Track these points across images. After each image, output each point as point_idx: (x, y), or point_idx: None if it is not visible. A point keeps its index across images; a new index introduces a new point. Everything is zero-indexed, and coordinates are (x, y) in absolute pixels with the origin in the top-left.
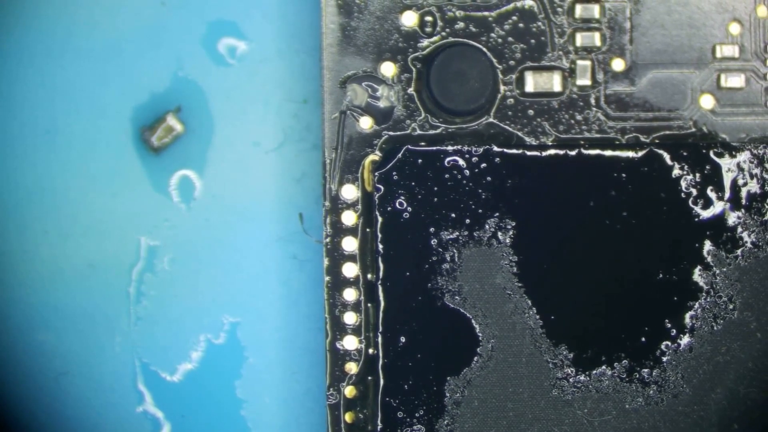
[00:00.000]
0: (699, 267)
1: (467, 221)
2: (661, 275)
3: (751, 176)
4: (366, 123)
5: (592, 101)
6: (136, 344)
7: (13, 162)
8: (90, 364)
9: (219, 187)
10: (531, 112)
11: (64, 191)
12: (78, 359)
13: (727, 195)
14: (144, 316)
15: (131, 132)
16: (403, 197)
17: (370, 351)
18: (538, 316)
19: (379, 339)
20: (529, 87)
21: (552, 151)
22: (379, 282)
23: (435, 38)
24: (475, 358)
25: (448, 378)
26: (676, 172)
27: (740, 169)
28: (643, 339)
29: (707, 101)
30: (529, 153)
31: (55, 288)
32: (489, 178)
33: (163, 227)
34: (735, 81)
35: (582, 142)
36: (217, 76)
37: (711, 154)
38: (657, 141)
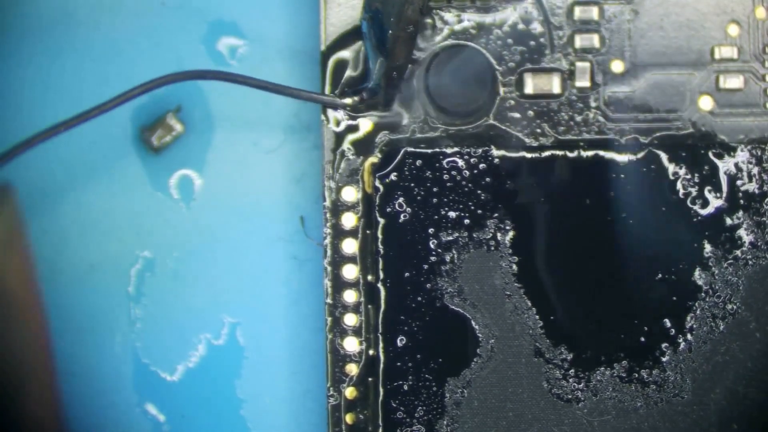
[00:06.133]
0: (698, 267)
1: (467, 222)
2: (660, 275)
3: (750, 177)
4: (366, 125)
5: (592, 103)
6: (136, 344)
7: (13, 162)
8: (90, 364)
9: (219, 187)
10: (530, 113)
11: (64, 191)
12: (78, 359)
13: (725, 195)
14: (144, 316)
15: (131, 132)
16: (402, 199)
17: (371, 352)
18: (537, 317)
19: (380, 340)
20: (529, 89)
21: (551, 152)
22: (380, 283)
23: (434, 40)
24: (475, 359)
25: (448, 378)
26: (675, 173)
27: (739, 169)
28: (643, 339)
29: (706, 102)
30: (528, 154)
31: (55, 288)
32: (488, 180)
33: (163, 227)
34: (734, 82)
35: (581, 144)
36: None
37: (710, 154)
38: (656, 142)
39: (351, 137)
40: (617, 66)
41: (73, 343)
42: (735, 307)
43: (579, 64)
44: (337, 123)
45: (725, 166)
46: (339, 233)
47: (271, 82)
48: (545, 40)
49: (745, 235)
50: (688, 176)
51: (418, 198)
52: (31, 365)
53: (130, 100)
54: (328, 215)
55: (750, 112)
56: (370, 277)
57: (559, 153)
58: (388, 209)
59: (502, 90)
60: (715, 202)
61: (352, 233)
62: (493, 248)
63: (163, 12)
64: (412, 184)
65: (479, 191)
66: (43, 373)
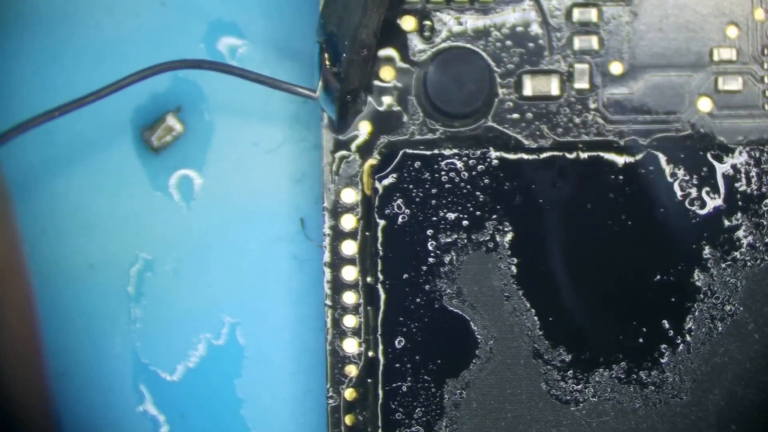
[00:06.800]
0: (697, 268)
1: (465, 224)
2: (659, 277)
3: (748, 178)
4: (365, 127)
5: (591, 104)
6: (136, 344)
7: (12, 162)
8: (90, 364)
9: (219, 187)
10: (529, 115)
11: (64, 191)
12: (78, 359)
13: (724, 197)
14: (144, 316)
15: (131, 132)
16: (401, 200)
17: (370, 354)
18: (536, 318)
19: (379, 341)
20: (527, 91)
21: (550, 154)
22: (379, 285)
23: (433, 42)
24: (474, 360)
25: (447, 380)
26: (673, 174)
27: (737, 171)
28: (641, 340)
29: (705, 104)
30: (527, 156)
31: (55, 288)
32: (487, 181)
33: (163, 227)
34: (732, 84)
35: (580, 145)
36: (217, 76)
37: (708, 156)
38: (655, 144)
39: (350, 139)
40: (616, 68)
41: (73, 342)
42: (733, 308)
43: (578, 65)
44: None
45: (724, 167)
46: (338, 235)
47: (268, 76)
48: (544, 42)
49: (743, 237)
50: (687, 178)
51: (417, 200)
52: (15, 339)
53: (127, 87)
54: (327, 217)
55: (749, 113)
56: (369, 279)
57: (558, 154)
58: (387, 211)
59: (500, 92)
60: (713, 204)
61: (352, 235)
62: (491, 250)
63: (163, 12)
64: (411, 186)
65: (478, 193)
66: (28, 346)
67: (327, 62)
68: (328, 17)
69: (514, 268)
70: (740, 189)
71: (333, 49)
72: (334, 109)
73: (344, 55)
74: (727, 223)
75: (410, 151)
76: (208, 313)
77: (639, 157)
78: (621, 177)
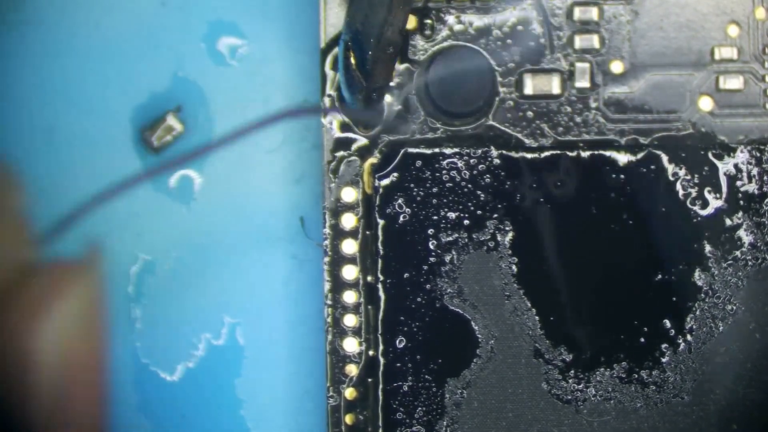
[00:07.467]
0: (698, 268)
1: (466, 223)
2: (660, 276)
3: (750, 177)
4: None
5: (591, 103)
6: (136, 344)
7: (13, 162)
8: None
9: (219, 187)
10: (530, 114)
11: (64, 191)
12: None
13: (725, 196)
14: (144, 316)
15: (131, 132)
16: (402, 199)
17: (370, 353)
18: (537, 318)
19: (379, 341)
20: (528, 89)
21: (551, 153)
22: (379, 284)
23: (434, 41)
24: (475, 360)
25: (448, 379)
26: (674, 173)
27: (738, 170)
28: (642, 340)
29: (706, 103)
30: (528, 155)
31: None
32: (488, 180)
33: (163, 227)
34: (733, 83)
35: (581, 144)
36: (217, 76)
37: (709, 155)
38: (656, 143)
39: (351, 138)
40: (617, 67)
41: None
42: (735, 307)
43: (578, 64)
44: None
45: (725, 166)
46: (339, 234)
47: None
48: (545, 40)
49: (744, 236)
50: (688, 177)
51: (418, 199)
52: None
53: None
54: (327, 216)
55: (750, 112)
56: (369, 278)
57: (559, 153)
58: (388, 210)
59: (501, 90)
60: (714, 203)
61: (352, 234)
62: (492, 249)
63: (163, 12)
64: (412, 185)
65: (479, 192)
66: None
67: (352, 61)
68: (353, 15)
69: (514, 268)
70: (741, 188)
71: (359, 48)
72: (359, 108)
73: (370, 53)
74: (728, 222)
75: (411, 149)
76: (208, 313)
77: (640, 156)
78: (622, 176)
